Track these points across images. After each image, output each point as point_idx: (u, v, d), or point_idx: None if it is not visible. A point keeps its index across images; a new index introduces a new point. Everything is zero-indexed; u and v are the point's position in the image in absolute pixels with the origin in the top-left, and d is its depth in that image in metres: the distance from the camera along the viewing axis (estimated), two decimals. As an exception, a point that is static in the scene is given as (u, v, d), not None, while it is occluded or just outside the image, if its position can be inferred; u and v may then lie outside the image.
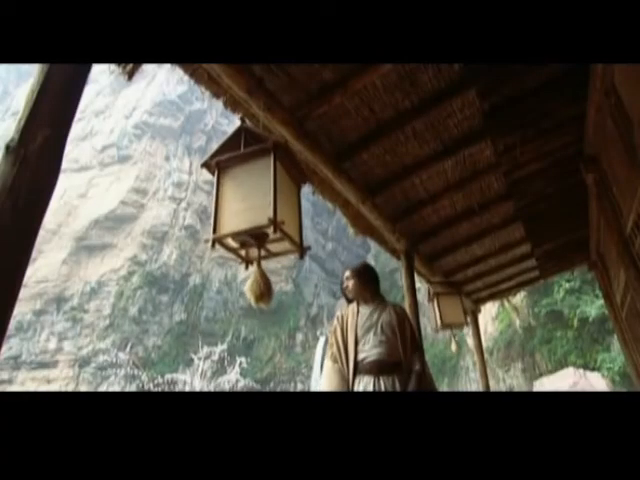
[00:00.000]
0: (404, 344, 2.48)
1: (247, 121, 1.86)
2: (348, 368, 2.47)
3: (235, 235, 1.65)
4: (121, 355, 20.55)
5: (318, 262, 35.16)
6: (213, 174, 1.79)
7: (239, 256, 1.74)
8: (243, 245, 1.70)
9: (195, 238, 30.23)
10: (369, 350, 2.47)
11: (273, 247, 1.75)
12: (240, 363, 19.72)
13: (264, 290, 1.62)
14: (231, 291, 29.77)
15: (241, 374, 19.70)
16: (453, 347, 5.27)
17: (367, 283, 2.65)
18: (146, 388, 19.21)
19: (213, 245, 1.67)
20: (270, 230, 1.58)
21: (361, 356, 2.47)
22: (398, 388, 2.36)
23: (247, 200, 1.67)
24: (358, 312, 2.61)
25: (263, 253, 1.75)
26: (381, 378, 2.38)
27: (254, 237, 1.65)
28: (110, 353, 21.13)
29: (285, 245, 1.74)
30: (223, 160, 1.78)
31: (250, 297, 1.63)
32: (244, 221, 1.62)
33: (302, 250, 1.75)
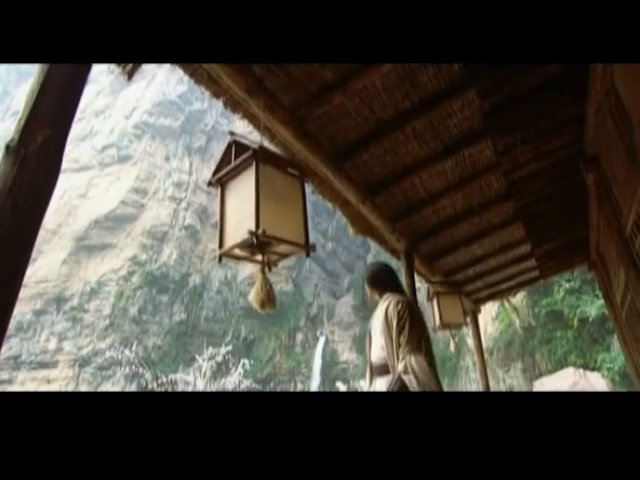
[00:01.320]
0: (389, 342, 2.30)
1: (235, 133, 1.88)
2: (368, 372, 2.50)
3: (235, 248, 1.70)
4: (122, 355, 20.57)
5: (318, 262, 35.18)
6: (217, 189, 1.87)
7: (254, 262, 1.78)
8: (253, 252, 1.73)
9: (195, 238, 30.26)
10: (371, 353, 2.47)
11: (282, 249, 1.77)
12: (243, 364, 19.75)
13: (264, 298, 1.66)
14: (231, 291, 29.81)
15: (243, 375, 19.72)
16: (452, 347, 5.27)
17: (372, 284, 2.60)
18: (148, 388, 19.23)
19: (220, 260, 1.78)
20: (254, 241, 1.61)
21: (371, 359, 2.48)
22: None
23: (240, 212, 1.72)
24: (375, 315, 2.57)
25: (274, 257, 1.79)
26: (376, 381, 2.36)
27: (255, 245, 1.67)
28: (110, 352, 21.14)
29: (291, 246, 1.75)
30: (221, 176, 1.85)
31: (255, 304, 1.68)
32: (238, 234, 1.66)
33: (307, 248, 1.76)
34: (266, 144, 2.08)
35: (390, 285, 2.56)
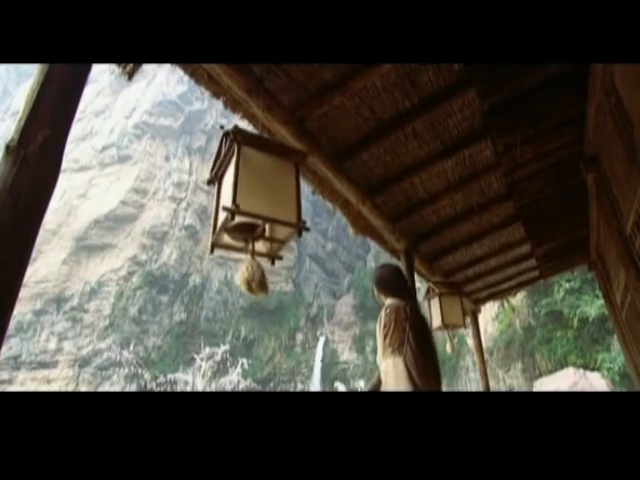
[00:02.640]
0: (379, 346, 2.43)
1: (225, 127, 1.87)
2: None
3: (223, 234, 1.68)
4: (122, 355, 20.57)
5: (318, 262, 35.16)
6: (215, 185, 1.86)
7: (247, 252, 1.75)
8: (247, 242, 1.71)
9: (195, 238, 30.26)
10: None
11: (274, 233, 1.76)
12: (242, 364, 19.74)
13: (249, 278, 1.62)
14: (231, 291, 29.78)
15: (242, 375, 19.71)
16: (448, 348, 5.26)
17: (377, 288, 2.65)
18: (148, 388, 19.24)
19: (212, 250, 1.75)
20: (231, 218, 1.59)
21: None
22: None
23: (225, 198, 1.70)
24: None
25: (275, 245, 1.78)
26: None
27: (245, 231, 1.66)
28: (110, 353, 21.14)
29: (286, 229, 1.73)
30: (216, 171, 1.86)
31: (242, 287, 1.65)
32: (223, 219, 1.65)
33: (298, 226, 1.73)
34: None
35: (393, 289, 2.59)
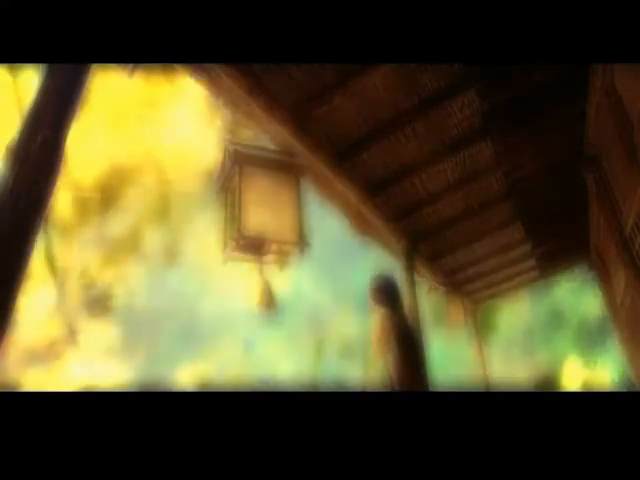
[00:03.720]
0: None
1: (229, 139, 1.89)
2: None
3: (233, 253, 1.74)
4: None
5: (318, 262, 35.14)
6: (223, 195, 1.92)
7: (260, 263, 1.82)
8: (254, 254, 1.77)
9: (195, 238, 30.25)
10: None
11: (280, 247, 1.80)
12: (242, 363, 19.74)
13: (261, 303, 1.72)
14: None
15: (242, 374, 19.72)
16: (450, 348, 5.26)
17: (372, 298, 2.75)
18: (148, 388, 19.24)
19: (224, 264, 1.84)
20: (236, 245, 1.67)
21: None
22: None
23: (231, 217, 1.78)
24: None
25: (281, 256, 1.83)
26: None
27: (254, 246, 1.70)
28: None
29: (285, 244, 1.78)
30: (222, 182, 1.90)
31: (258, 308, 1.73)
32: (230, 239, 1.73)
33: (301, 244, 1.79)
34: (266, 144, 2.09)
35: (387, 301, 2.71)
